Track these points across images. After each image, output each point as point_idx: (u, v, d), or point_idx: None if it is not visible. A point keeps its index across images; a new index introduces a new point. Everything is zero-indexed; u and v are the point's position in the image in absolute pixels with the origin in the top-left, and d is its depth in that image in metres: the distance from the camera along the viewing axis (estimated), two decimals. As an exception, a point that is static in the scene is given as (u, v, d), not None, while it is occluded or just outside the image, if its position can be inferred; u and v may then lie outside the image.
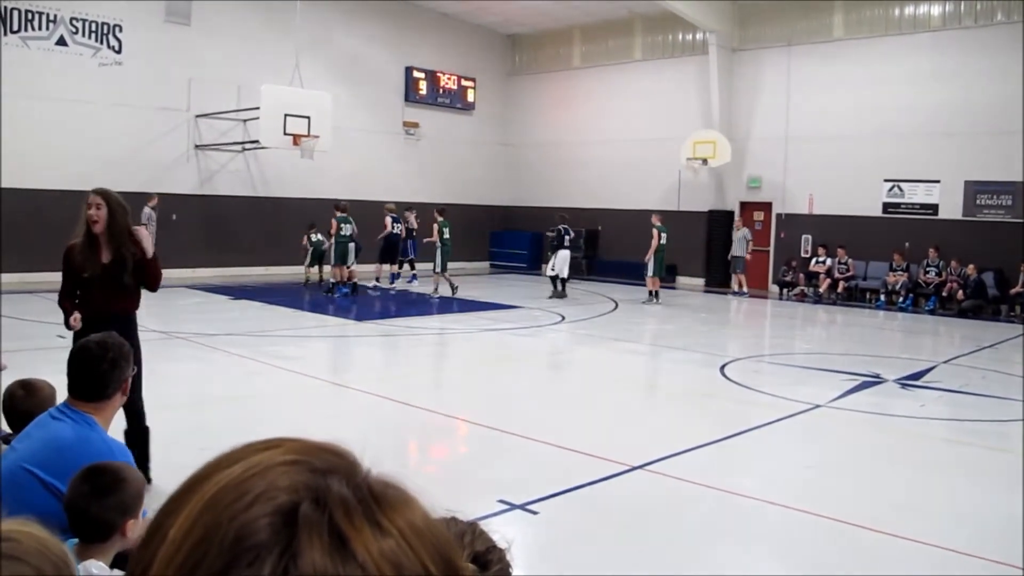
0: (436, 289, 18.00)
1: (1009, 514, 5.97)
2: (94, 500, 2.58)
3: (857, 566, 5.02)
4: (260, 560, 0.51)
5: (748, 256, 20.94)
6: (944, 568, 4.97)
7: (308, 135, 17.84)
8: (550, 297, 17.99)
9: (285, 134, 17.66)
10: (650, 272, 17.99)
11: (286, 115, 17.57)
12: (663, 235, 18.04)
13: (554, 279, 18.39)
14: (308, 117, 17.82)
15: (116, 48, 18.82)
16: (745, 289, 20.76)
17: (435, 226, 17.99)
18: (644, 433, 8.22)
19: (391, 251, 19.14)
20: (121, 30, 18.84)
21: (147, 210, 17.60)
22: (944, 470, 7.15)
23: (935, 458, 7.57)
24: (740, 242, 21.02)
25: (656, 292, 18.08)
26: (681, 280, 22.60)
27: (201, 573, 0.52)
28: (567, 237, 18.24)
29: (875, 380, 10.48)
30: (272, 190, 21.31)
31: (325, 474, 0.57)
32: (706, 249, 22.76)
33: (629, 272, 22.22)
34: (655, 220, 18.30)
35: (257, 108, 17.81)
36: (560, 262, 18.17)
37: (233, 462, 0.58)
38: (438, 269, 17.86)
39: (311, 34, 21.58)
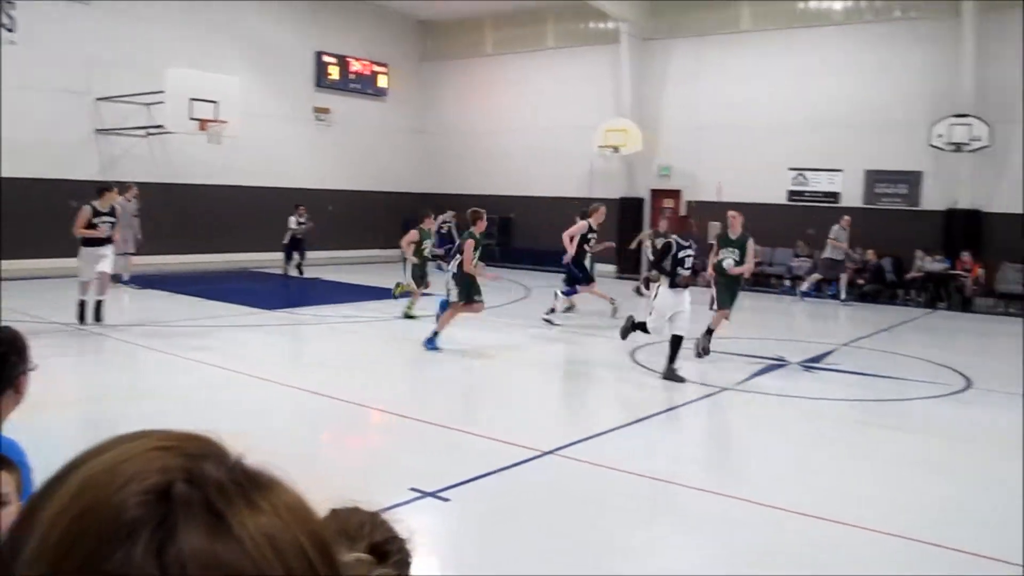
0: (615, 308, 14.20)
1: (910, 489, 6.23)
2: None
3: (767, 543, 5.17)
4: (134, 536, 0.52)
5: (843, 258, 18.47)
6: (851, 543, 5.16)
7: (215, 120, 17.45)
8: (665, 377, 9.66)
9: (191, 119, 17.24)
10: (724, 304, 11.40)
11: (192, 99, 17.15)
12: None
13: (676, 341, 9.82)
14: (215, 102, 17.42)
15: (9, 27, 18.05)
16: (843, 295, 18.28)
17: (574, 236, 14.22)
18: (556, 418, 8.32)
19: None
20: (14, 6, 18.04)
21: (121, 201, 15.20)
22: (845, 449, 7.41)
23: (837, 437, 7.84)
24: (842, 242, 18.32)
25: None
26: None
27: (75, 553, 0.52)
28: (682, 254, 9.84)
29: (779, 363, 10.78)
30: (179, 176, 20.74)
31: (197, 458, 0.58)
32: (618, 236, 23.00)
33: (541, 259, 22.34)
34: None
35: (161, 92, 17.34)
36: (663, 307, 9.91)
37: (105, 451, 0.59)
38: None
39: (218, 16, 21.11)
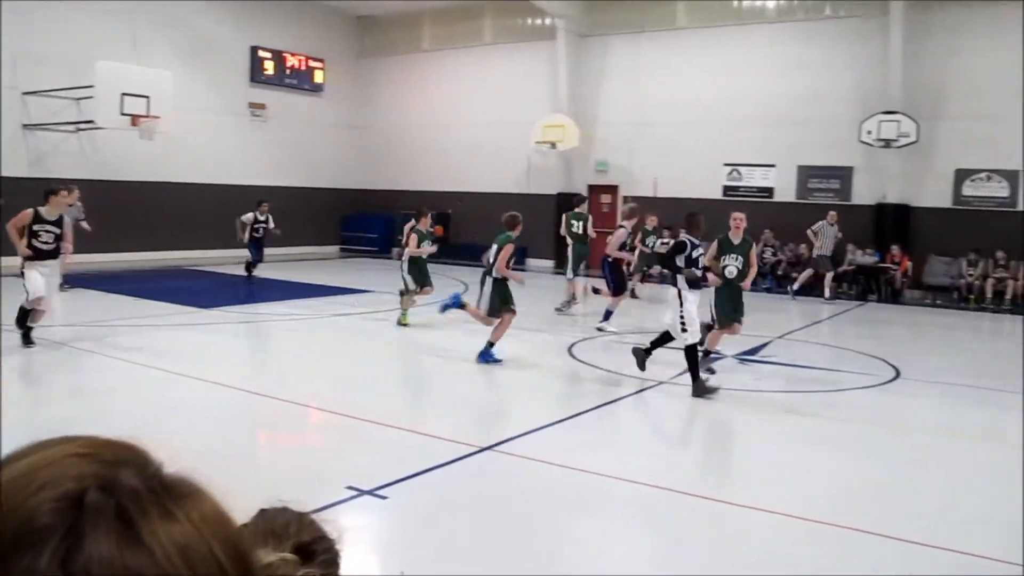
0: (571, 301, 14.86)
1: (838, 474, 6.37)
2: None
3: (712, 538, 5.24)
4: (42, 543, 0.52)
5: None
6: (799, 534, 5.26)
7: (147, 115, 17.12)
8: (696, 395, 8.77)
9: (123, 114, 16.89)
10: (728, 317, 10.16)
11: (123, 94, 16.80)
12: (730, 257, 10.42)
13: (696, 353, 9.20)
14: (147, 97, 17.10)
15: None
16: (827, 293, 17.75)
17: (564, 217, 15.51)
18: (495, 414, 8.35)
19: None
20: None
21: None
22: (782, 440, 7.54)
23: (773, 428, 7.97)
24: (830, 239, 17.87)
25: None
26: (531, 263, 22.89)
27: None
28: (695, 254, 9.47)
29: (715, 356, 10.91)
30: (110, 173, 20.27)
31: (115, 465, 0.58)
32: (555, 231, 23.09)
33: (480, 254, 22.35)
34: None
35: (91, 87, 16.95)
36: (693, 310, 9.14)
37: (24, 456, 0.59)
38: (570, 275, 14.88)
39: (150, 9, 20.68)
